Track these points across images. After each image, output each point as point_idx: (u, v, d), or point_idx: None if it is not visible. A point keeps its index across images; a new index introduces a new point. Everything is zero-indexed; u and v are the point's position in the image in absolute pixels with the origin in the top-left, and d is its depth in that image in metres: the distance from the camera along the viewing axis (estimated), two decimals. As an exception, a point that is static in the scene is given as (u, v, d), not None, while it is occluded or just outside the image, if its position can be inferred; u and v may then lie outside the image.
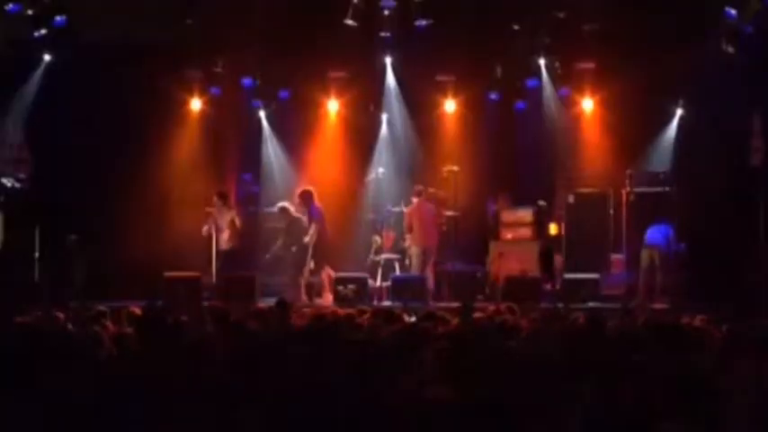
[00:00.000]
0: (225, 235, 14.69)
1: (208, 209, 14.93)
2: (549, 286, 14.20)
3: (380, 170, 15.92)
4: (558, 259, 14.95)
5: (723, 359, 5.57)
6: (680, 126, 15.90)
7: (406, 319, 8.49)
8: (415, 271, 14.57)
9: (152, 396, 4.83)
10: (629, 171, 15.20)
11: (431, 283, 14.16)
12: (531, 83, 16.12)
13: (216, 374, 5.11)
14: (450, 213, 15.15)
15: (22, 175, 14.86)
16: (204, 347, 6.00)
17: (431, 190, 15.27)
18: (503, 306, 9.44)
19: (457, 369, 5.12)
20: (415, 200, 14.67)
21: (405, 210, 14.80)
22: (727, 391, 4.41)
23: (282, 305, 9.48)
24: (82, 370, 5.38)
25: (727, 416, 4.27)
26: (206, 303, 12.78)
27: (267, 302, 11.53)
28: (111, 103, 15.30)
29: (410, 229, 14.55)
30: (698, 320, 7.84)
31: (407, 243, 14.86)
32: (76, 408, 4.78)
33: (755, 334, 6.07)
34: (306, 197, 14.75)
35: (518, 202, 15.39)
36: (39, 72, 15.37)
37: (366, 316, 8.47)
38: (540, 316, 8.47)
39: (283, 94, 16.34)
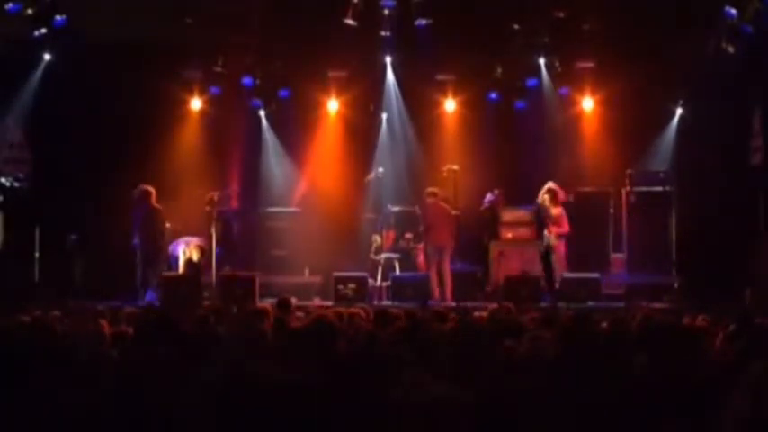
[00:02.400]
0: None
1: (207, 208, 14.94)
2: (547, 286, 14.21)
3: (380, 170, 15.89)
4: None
5: (726, 360, 5.56)
6: (680, 126, 15.92)
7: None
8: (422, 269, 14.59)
9: (150, 397, 4.82)
10: (629, 171, 15.20)
11: (434, 282, 14.12)
12: (531, 82, 16.14)
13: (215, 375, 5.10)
14: (449, 213, 15.14)
15: (21, 175, 14.86)
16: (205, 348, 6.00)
17: (431, 189, 15.27)
18: (501, 305, 9.43)
19: (457, 369, 5.12)
20: (429, 200, 14.54)
21: (418, 209, 14.71)
22: (731, 392, 4.39)
23: (284, 305, 9.46)
24: (81, 369, 5.38)
25: (730, 417, 4.26)
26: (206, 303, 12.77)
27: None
28: (111, 103, 15.31)
29: (426, 228, 14.43)
30: (699, 320, 7.84)
31: (420, 242, 14.80)
32: (75, 407, 4.77)
33: (758, 334, 6.07)
34: (141, 196, 14.54)
35: (518, 201, 15.38)
36: (39, 72, 15.37)
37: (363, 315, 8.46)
38: (540, 316, 8.45)
39: (283, 93, 16.36)
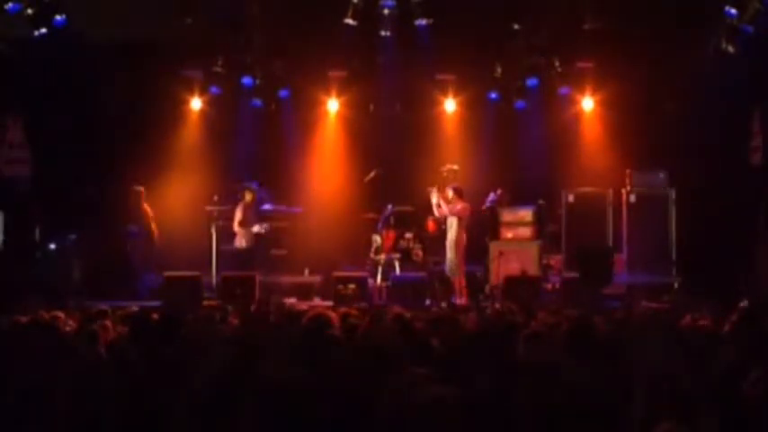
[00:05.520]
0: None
1: (208, 207, 14.95)
2: (549, 286, 14.21)
3: (380, 170, 15.88)
4: (557, 258, 14.97)
5: (727, 359, 5.56)
6: (680, 126, 15.90)
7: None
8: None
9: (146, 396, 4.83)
10: (629, 171, 15.21)
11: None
12: (531, 82, 16.14)
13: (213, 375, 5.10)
14: (449, 213, 15.13)
15: (21, 176, 14.86)
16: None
17: (431, 189, 15.27)
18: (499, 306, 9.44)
19: (458, 368, 5.12)
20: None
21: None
22: (732, 391, 4.40)
23: (265, 305, 9.50)
24: (81, 369, 5.38)
25: (730, 418, 4.27)
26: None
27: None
28: (111, 103, 15.31)
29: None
30: (699, 320, 7.83)
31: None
32: (74, 407, 4.77)
33: (758, 333, 6.07)
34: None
35: (518, 201, 15.38)
36: (39, 72, 15.34)
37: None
38: (544, 316, 8.45)
39: (283, 93, 16.37)
